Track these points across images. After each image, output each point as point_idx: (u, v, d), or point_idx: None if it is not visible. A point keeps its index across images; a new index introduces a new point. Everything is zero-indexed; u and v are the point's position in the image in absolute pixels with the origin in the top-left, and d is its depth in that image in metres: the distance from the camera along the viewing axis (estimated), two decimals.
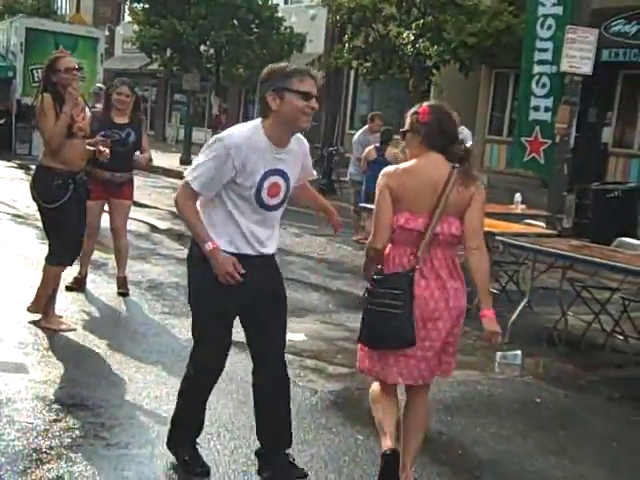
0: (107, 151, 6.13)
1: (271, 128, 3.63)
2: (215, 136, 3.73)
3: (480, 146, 19.78)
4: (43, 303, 6.06)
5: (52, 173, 5.85)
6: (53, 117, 5.72)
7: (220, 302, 3.80)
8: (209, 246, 3.69)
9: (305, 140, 3.94)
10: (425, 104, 3.88)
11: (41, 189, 5.92)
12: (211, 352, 3.97)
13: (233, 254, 3.72)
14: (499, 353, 6.43)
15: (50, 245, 6.10)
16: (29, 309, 6.09)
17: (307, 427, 4.67)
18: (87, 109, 6.25)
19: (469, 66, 16.53)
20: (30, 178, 6.19)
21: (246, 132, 3.64)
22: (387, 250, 3.83)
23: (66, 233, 5.94)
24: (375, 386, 4.10)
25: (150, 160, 7.54)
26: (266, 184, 3.67)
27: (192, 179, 3.66)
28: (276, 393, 4.01)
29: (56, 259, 6.04)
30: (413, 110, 3.87)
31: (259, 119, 3.70)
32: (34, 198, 5.97)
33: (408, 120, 3.86)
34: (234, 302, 3.81)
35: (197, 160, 3.71)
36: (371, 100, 24.37)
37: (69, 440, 4.21)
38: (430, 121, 3.77)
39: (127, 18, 31.78)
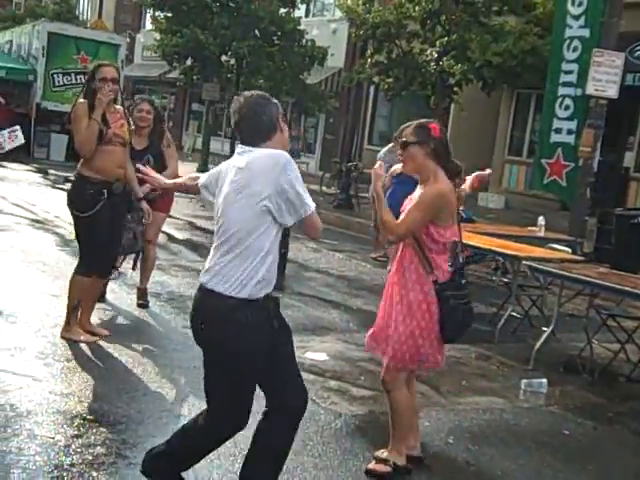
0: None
1: None
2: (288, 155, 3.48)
3: (499, 166, 19.68)
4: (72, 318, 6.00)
5: (86, 181, 5.79)
6: (85, 124, 5.67)
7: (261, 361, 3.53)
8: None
9: None
10: (427, 121, 4.34)
11: (74, 197, 5.87)
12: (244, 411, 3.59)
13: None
14: (524, 380, 6.33)
15: (79, 254, 6.04)
16: (62, 335, 5.99)
17: (332, 453, 4.56)
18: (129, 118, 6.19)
19: (492, 85, 16.43)
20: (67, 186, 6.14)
21: None
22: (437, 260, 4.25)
23: (96, 244, 5.88)
24: (405, 394, 4.39)
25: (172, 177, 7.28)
26: None
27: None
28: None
29: (83, 269, 5.96)
30: (417, 125, 4.27)
31: (250, 147, 3.50)
32: (68, 205, 5.92)
33: (411, 132, 4.26)
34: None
35: (300, 185, 3.41)
36: (390, 116, 24.31)
37: (91, 457, 4.12)
38: (441, 137, 4.26)
39: (148, 25, 31.87)
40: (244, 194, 3.39)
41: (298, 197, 3.39)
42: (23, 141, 7.94)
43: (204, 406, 4.94)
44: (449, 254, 4.28)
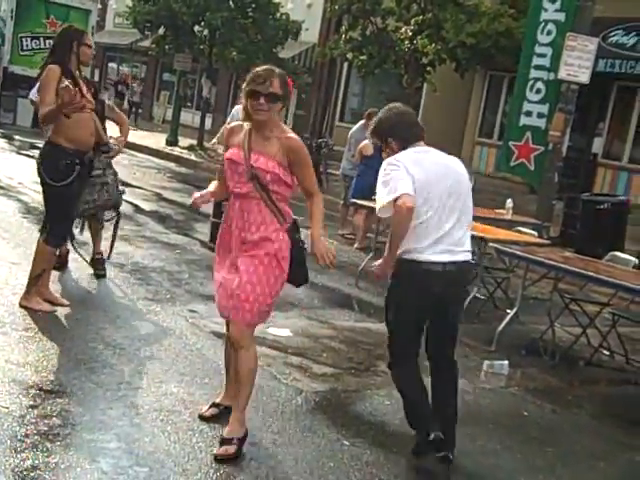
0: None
1: None
2: None
3: (469, 148, 19.74)
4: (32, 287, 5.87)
5: (60, 151, 5.65)
6: (52, 91, 5.50)
7: None
8: None
9: None
10: (286, 73, 4.23)
11: (48, 166, 5.70)
12: None
13: None
14: (486, 362, 6.35)
15: (49, 224, 5.88)
16: (21, 304, 5.85)
17: (292, 429, 4.53)
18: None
19: (465, 66, 16.42)
20: (38, 153, 6.00)
21: None
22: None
23: (67, 213, 5.79)
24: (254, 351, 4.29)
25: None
26: None
27: None
28: None
29: (52, 238, 5.84)
30: (281, 77, 4.10)
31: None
32: (39, 174, 5.77)
33: (280, 85, 4.07)
34: None
35: None
36: (362, 93, 24.23)
37: (46, 428, 4.05)
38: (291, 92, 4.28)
39: None
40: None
41: None
42: None
43: (163, 377, 4.93)
44: None
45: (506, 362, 6.37)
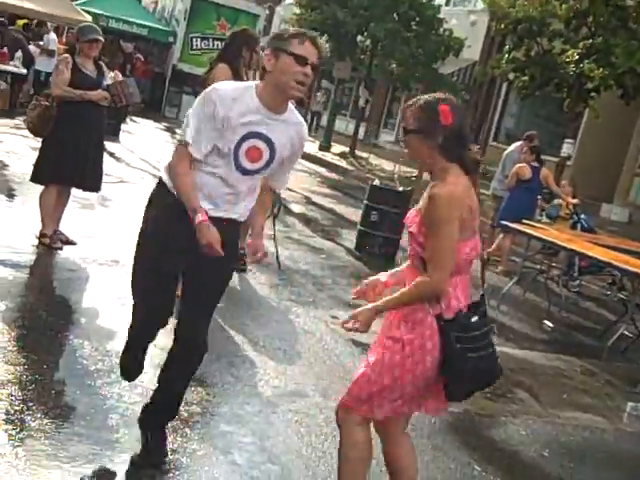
0: None
1: (264, 90, 3.43)
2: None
3: (628, 178, 18.98)
4: None
5: None
6: None
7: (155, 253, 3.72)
8: (199, 218, 3.41)
9: (305, 127, 3.62)
10: (436, 99, 3.15)
11: None
12: (143, 308, 3.92)
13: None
14: (630, 403, 6.08)
15: None
16: None
17: (424, 448, 4.48)
18: None
19: (632, 94, 15.79)
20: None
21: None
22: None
23: None
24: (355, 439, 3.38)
25: None
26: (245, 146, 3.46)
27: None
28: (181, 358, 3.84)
29: None
30: (421, 106, 3.13)
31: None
32: None
33: (414, 115, 3.15)
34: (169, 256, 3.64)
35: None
36: (519, 115, 23.75)
37: (186, 414, 4.19)
38: (453, 124, 3.12)
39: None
40: None
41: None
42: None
43: (300, 379, 4.99)
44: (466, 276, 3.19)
45: None
